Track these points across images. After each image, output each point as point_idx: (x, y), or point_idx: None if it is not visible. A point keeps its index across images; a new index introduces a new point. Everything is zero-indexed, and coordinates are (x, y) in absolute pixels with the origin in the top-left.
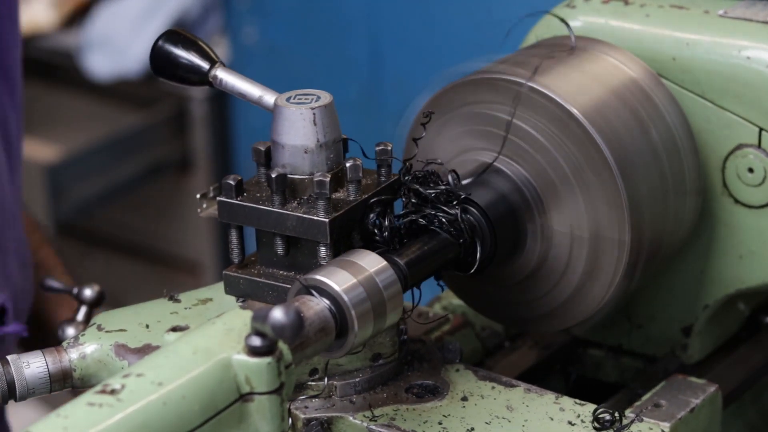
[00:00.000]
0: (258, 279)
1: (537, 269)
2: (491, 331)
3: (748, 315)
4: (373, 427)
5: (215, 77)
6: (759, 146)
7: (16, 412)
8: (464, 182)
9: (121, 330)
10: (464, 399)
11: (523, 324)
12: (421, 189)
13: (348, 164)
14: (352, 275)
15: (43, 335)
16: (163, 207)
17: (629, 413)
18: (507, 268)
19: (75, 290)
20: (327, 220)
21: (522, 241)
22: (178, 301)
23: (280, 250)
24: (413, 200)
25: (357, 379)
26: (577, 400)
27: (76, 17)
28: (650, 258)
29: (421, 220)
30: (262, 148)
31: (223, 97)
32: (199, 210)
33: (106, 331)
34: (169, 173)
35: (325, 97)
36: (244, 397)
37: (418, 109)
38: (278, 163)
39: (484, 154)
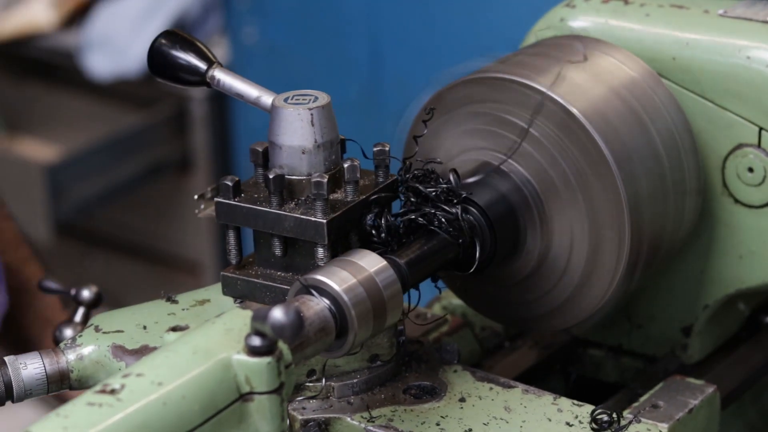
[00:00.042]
0: (255, 280)
1: (537, 269)
2: (491, 332)
3: (748, 315)
4: (371, 428)
5: (213, 78)
6: (759, 146)
7: (16, 412)
8: (465, 182)
9: (118, 331)
10: (462, 400)
11: (523, 324)
12: (420, 187)
13: (345, 165)
14: (351, 275)
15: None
16: (163, 207)
17: (627, 414)
18: (507, 268)
19: (73, 291)
20: (325, 221)
21: (522, 241)
22: (175, 302)
23: (277, 251)
24: (413, 199)
25: (355, 380)
26: (575, 401)
27: (76, 17)
28: (650, 258)
29: (420, 218)
30: (260, 149)
31: (223, 97)
32: (196, 211)
33: (104, 333)
34: (169, 173)
35: (323, 98)
36: (244, 397)
37: (417, 109)
38: (276, 163)
39: (485, 153)
